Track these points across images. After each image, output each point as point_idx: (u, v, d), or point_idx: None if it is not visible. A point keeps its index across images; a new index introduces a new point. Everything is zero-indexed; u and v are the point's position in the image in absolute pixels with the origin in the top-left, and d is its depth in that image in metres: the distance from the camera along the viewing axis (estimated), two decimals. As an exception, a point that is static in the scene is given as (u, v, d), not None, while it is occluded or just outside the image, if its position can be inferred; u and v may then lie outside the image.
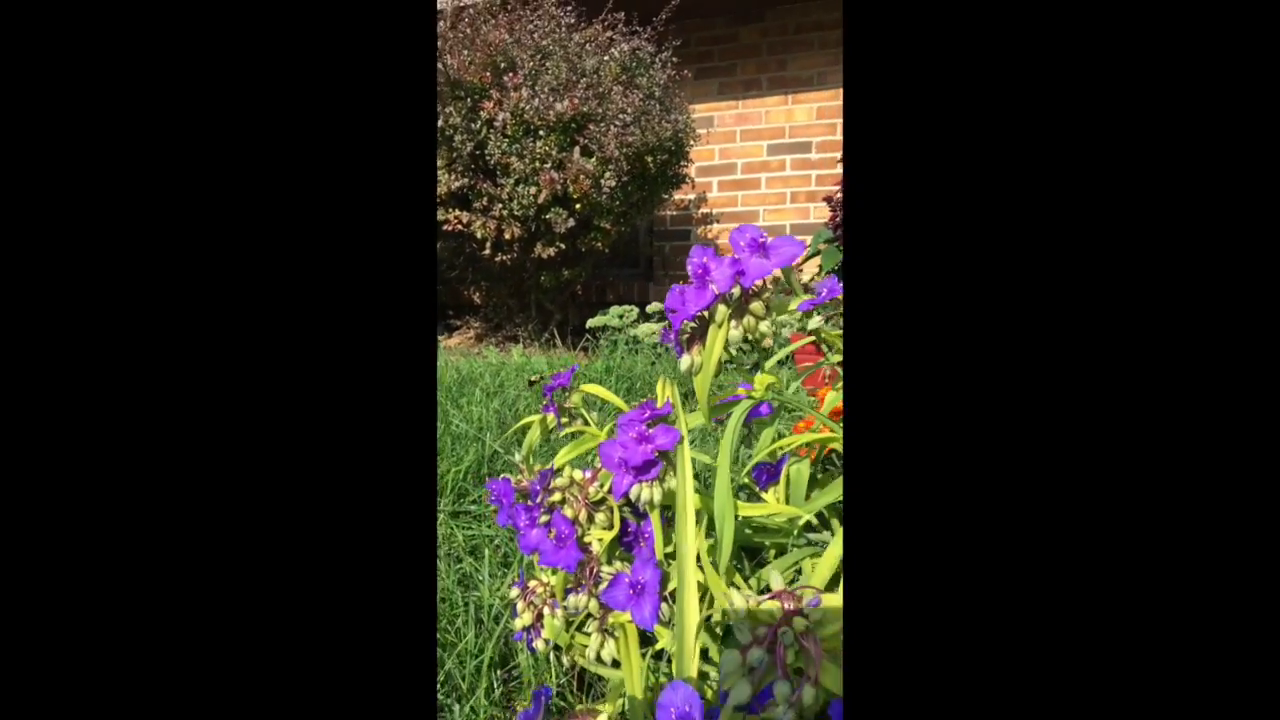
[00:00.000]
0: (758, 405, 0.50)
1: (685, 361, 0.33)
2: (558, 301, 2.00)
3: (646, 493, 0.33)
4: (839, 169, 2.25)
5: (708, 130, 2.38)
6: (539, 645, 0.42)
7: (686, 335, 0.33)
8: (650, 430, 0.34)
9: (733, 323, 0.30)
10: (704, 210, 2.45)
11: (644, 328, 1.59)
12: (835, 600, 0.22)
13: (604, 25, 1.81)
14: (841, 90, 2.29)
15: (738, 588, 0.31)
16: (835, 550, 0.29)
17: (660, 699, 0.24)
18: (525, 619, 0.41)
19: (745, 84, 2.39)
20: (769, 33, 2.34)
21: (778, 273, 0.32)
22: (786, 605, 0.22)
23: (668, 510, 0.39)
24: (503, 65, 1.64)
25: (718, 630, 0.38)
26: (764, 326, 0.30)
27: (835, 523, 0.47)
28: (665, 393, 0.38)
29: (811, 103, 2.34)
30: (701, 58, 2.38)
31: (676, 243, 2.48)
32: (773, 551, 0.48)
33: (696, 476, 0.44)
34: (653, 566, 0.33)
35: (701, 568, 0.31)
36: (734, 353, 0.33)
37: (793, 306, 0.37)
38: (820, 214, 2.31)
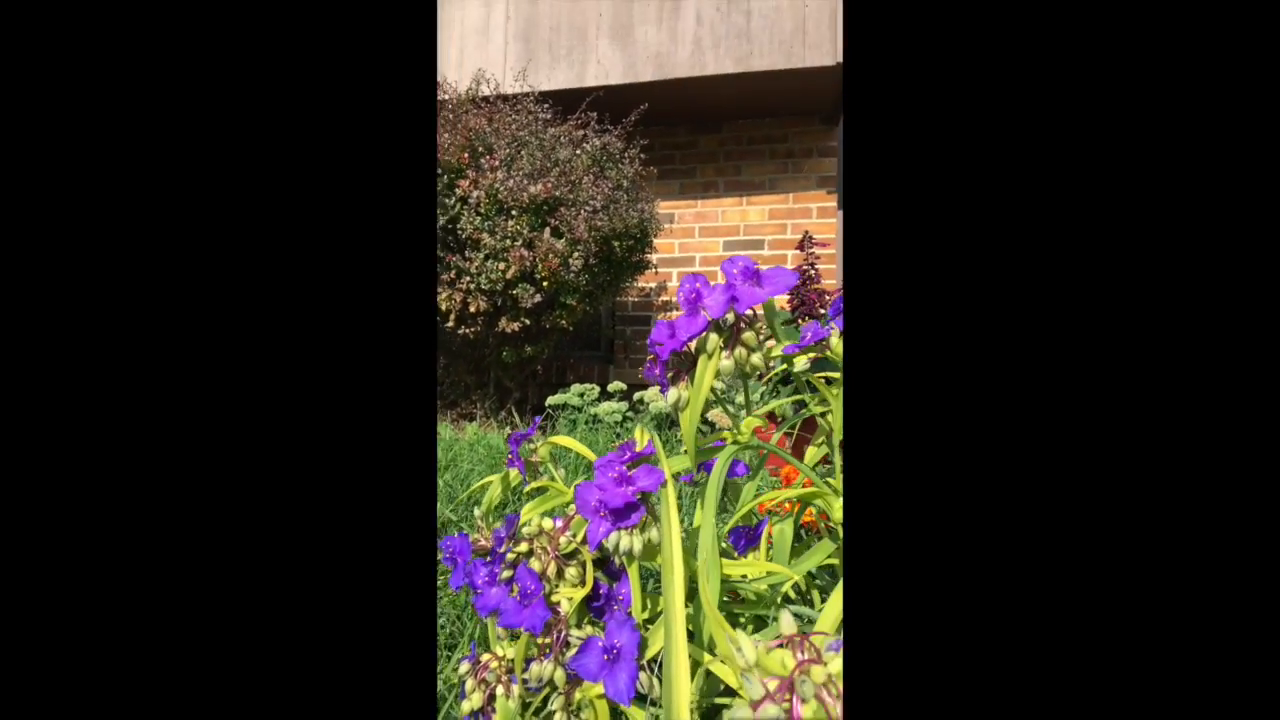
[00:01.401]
0: (734, 466, 0.48)
1: (672, 395, 0.31)
2: (517, 379, 1.96)
3: (626, 541, 0.30)
4: (789, 264, 2.39)
5: (670, 225, 2.51)
6: (488, 736, 0.36)
7: (673, 369, 0.32)
8: (631, 472, 0.31)
9: (724, 353, 0.29)
10: (664, 298, 2.52)
11: (605, 406, 1.57)
12: (856, 642, 0.19)
13: (577, 123, 1.93)
14: (791, 195, 2.49)
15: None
16: (839, 600, 0.27)
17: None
18: (475, 700, 0.35)
19: (704, 186, 2.56)
20: (725, 142, 2.55)
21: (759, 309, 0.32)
22: (801, 654, 0.19)
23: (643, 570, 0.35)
24: (480, 150, 1.71)
25: (695, 716, 0.34)
26: (756, 358, 0.29)
27: (816, 595, 0.44)
28: (643, 437, 0.36)
29: (764, 205, 2.52)
30: (665, 160, 2.55)
31: (637, 327, 2.52)
32: (750, 627, 0.44)
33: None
34: (630, 629, 0.29)
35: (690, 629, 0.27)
36: (720, 391, 0.31)
37: (777, 351, 0.37)
38: (777, 301, 2.42)
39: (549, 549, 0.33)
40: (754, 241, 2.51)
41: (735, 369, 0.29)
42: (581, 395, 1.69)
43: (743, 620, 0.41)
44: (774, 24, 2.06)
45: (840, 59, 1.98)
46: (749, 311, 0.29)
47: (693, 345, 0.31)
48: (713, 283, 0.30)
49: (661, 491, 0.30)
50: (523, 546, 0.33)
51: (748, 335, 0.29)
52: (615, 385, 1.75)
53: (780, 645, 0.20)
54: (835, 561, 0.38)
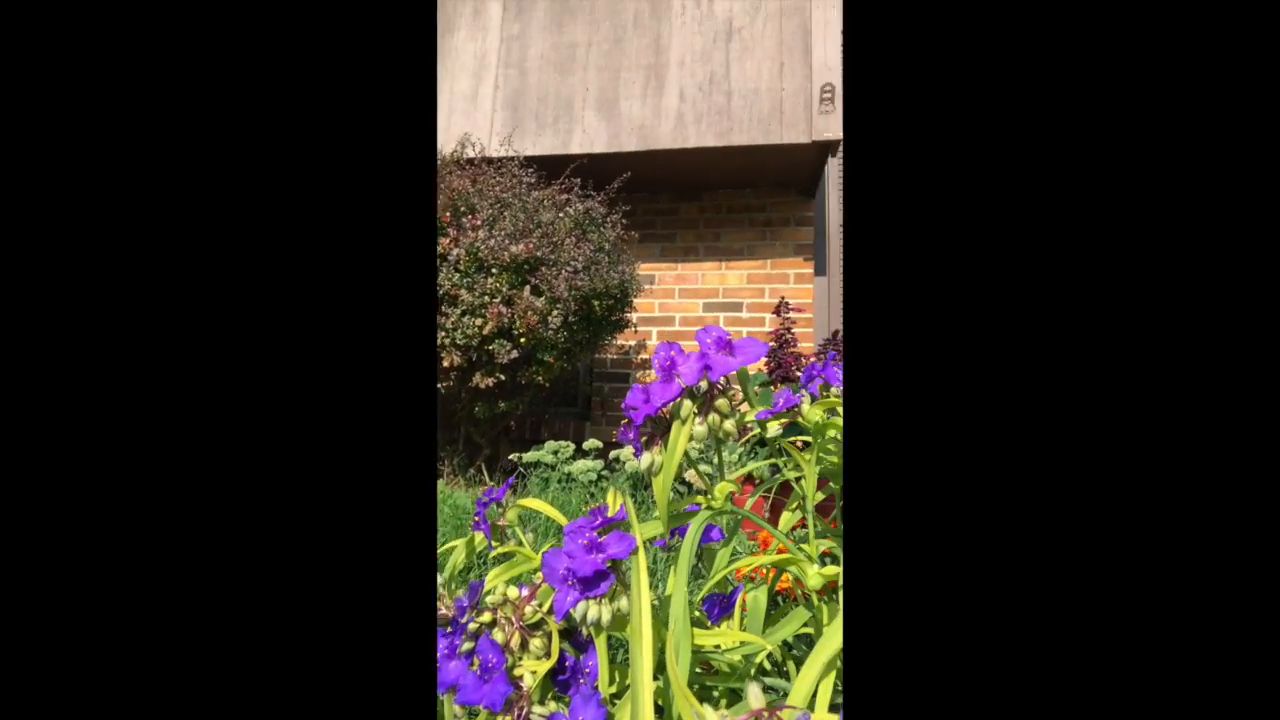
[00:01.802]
0: (709, 530, 0.47)
1: (646, 460, 0.31)
2: (489, 435, 1.93)
3: (594, 610, 0.29)
4: (767, 327, 2.45)
5: (650, 286, 2.57)
6: (438, 830, 0.33)
7: (648, 433, 0.32)
8: (602, 538, 0.31)
9: (698, 419, 0.29)
10: (643, 356, 2.54)
11: (579, 464, 1.55)
12: (829, 719, 0.18)
13: (561, 188, 2.00)
14: (769, 262, 2.58)
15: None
16: (811, 673, 0.26)
17: None
18: (425, 790, 0.33)
19: (684, 250, 2.64)
20: (706, 210, 2.66)
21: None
22: (770, 732, 0.19)
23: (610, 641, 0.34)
24: (463, 210, 1.75)
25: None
26: (729, 425, 0.30)
27: (791, 666, 0.43)
28: (616, 501, 0.35)
29: (743, 270, 2.60)
30: (646, 225, 2.64)
31: (615, 384, 2.52)
32: (724, 701, 0.42)
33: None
34: (595, 704, 0.28)
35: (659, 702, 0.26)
36: (698, 451, 0.31)
37: (751, 416, 0.37)
38: (752, 366, 2.45)
39: (514, 619, 0.31)
40: (733, 304, 2.57)
41: (708, 434, 0.30)
42: (555, 453, 1.67)
43: (716, 693, 0.40)
44: (753, 104, 2.20)
45: (814, 138, 2.11)
46: (722, 379, 0.30)
47: (667, 410, 0.31)
48: (687, 349, 0.31)
49: (632, 559, 0.30)
50: (486, 616, 0.32)
51: (721, 402, 0.29)
52: (591, 443, 1.73)
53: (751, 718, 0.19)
54: (810, 630, 0.37)
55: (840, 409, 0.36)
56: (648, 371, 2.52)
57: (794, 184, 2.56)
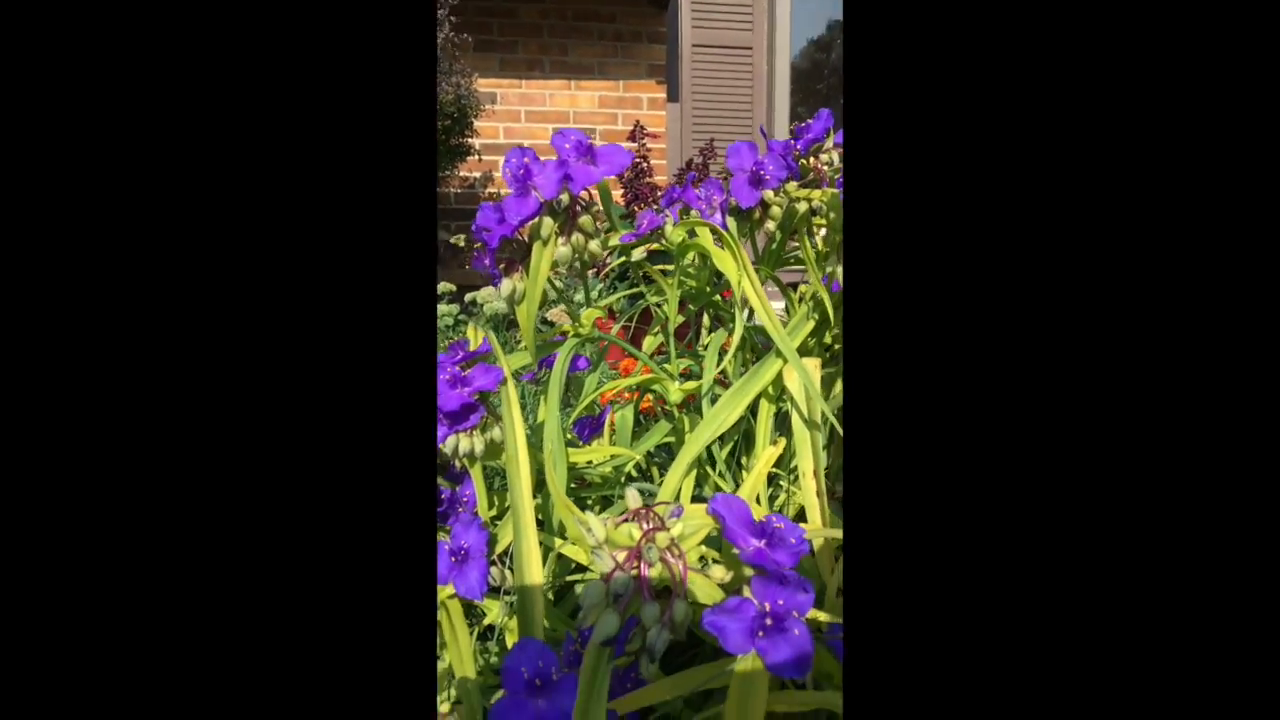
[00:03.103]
0: (575, 361, 0.47)
1: (505, 287, 0.29)
2: (323, 283, 1.72)
3: (465, 443, 0.29)
4: (623, 158, 2.35)
5: (492, 106, 2.28)
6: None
7: (505, 259, 0.29)
8: (466, 372, 0.29)
9: (560, 239, 0.27)
10: (491, 190, 2.35)
11: (432, 309, 1.46)
12: (696, 509, 0.20)
13: (367, -32, 1.60)
14: (621, 83, 2.39)
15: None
16: (676, 475, 0.28)
17: (507, 662, 0.20)
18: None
19: (528, 64, 2.34)
20: (549, 14, 2.33)
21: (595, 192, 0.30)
22: (646, 524, 0.20)
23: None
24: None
25: (549, 595, 0.35)
26: (594, 245, 0.28)
27: (655, 471, 0.47)
28: (477, 336, 0.33)
29: (594, 91, 2.39)
30: (481, 29, 2.26)
31: (463, 222, 2.33)
32: (597, 507, 0.47)
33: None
34: (476, 528, 0.29)
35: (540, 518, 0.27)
36: (560, 289, 0.30)
37: (614, 240, 0.36)
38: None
39: (379, 461, 0.30)
40: (585, 130, 2.39)
41: (573, 256, 0.28)
42: (405, 299, 1.55)
43: (590, 502, 0.43)
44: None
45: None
46: (584, 193, 0.27)
47: (525, 231, 0.28)
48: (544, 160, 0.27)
49: (502, 390, 0.29)
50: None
51: (585, 220, 0.27)
52: (444, 286, 1.63)
53: (627, 520, 0.21)
54: (671, 440, 0.41)
55: (699, 229, 0.36)
56: (498, 207, 2.35)
57: (646, -12, 2.29)
